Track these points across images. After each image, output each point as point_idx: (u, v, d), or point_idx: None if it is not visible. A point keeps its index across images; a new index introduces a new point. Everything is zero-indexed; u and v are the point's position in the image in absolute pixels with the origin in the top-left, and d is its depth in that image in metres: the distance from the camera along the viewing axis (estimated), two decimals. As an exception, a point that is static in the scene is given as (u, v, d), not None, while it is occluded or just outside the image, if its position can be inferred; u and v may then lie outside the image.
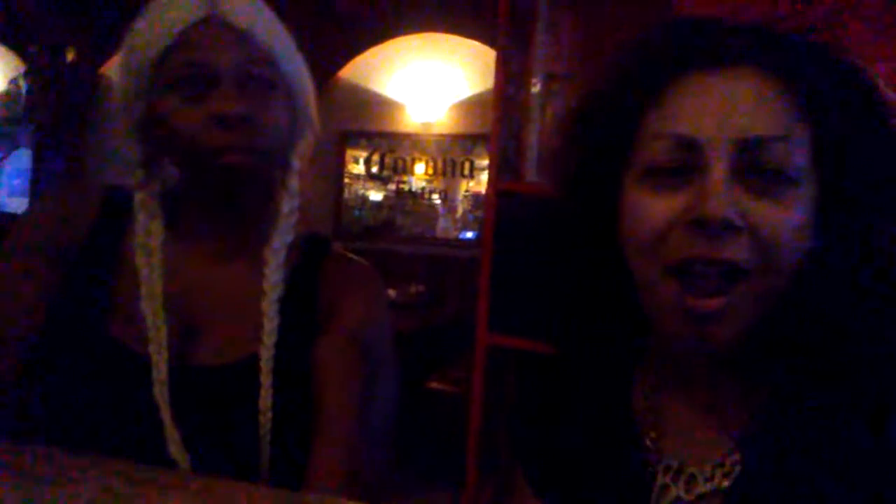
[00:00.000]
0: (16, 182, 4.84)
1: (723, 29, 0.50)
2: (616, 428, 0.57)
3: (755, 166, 0.46)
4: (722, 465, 0.51)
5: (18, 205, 4.62)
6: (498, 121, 2.10)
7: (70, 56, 4.47)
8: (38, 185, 4.46)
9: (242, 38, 0.70)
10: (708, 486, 0.52)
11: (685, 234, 0.47)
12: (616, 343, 0.59)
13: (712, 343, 0.48)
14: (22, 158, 4.76)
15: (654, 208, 0.48)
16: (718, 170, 0.46)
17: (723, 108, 0.47)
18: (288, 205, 0.77)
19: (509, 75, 2.13)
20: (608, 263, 0.54)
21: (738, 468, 0.50)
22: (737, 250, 0.46)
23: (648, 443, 0.56)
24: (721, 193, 0.45)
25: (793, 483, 0.47)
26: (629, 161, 0.51)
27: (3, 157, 4.54)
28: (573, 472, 0.58)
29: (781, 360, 0.51)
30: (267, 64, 0.72)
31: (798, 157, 0.47)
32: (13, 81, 4.75)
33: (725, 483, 0.51)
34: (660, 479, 0.54)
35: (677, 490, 0.53)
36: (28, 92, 4.50)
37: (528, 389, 0.66)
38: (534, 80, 2.12)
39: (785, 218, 0.46)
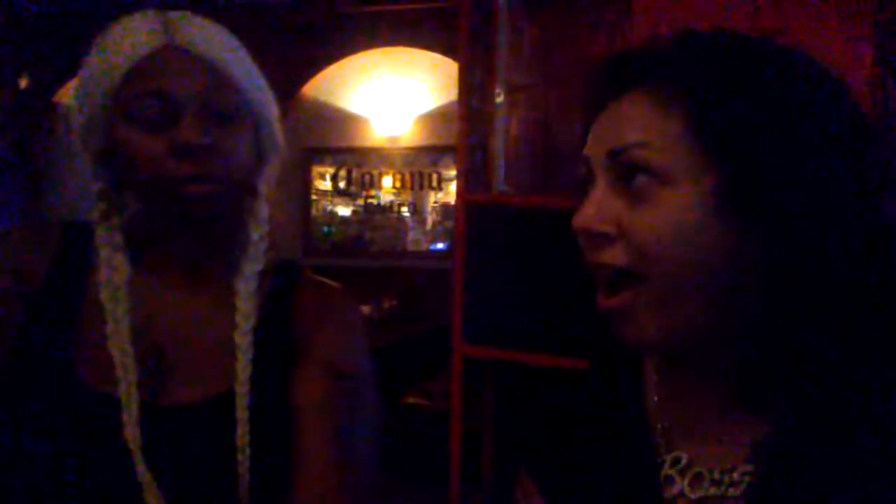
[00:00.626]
0: None
1: (620, 60, 0.55)
2: (626, 416, 0.57)
3: (626, 173, 0.51)
4: (731, 472, 0.51)
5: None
6: (463, 132, 2.11)
7: (23, 83, 4.37)
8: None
9: (203, 65, 0.69)
10: (714, 491, 0.51)
11: (582, 242, 0.53)
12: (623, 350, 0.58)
13: (630, 338, 0.51)
14: None
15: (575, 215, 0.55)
16: (599, 183, 0.52)
17: (602, 128, 0.54)
18: (257, 232, 0.75)
19: (472, 87, 2.14)
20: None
21: (747, 479, 0.50)
22: (613, 256, 0.50)
23: (658, 433, 0.55)
24: (591, 204, 0.51)
25: (806, 496, 0.48)
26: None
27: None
28: (580, 460, 0.58)
29: (785, 370, 0.51)
30: (229, 91, 0.70)
31: (661, 159, 0.50)
32: None
33: (732, 491, 0.50)
34: (666, 469, 0.54)
35: (682, 484, 0.53)
36: None
37: (532, 391, 0.65)
38: (497, 91, 2.14)
39: (655, 219, 0.49)
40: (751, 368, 0.52)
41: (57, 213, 4.03)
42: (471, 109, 2.13)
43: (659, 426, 0.56)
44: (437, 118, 4.19)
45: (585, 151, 0.54)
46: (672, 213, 0.48)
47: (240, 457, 0.68)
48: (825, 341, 0.48)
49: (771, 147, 0.47)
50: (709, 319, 0.49)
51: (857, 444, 0.48)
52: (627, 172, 0.50)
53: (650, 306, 0.49)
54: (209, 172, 0.67)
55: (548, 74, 2.26)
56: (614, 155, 0.51)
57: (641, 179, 0.50)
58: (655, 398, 0.57)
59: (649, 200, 0.49)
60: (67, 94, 4.21)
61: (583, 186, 0.54)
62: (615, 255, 0.50)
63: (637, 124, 0.51)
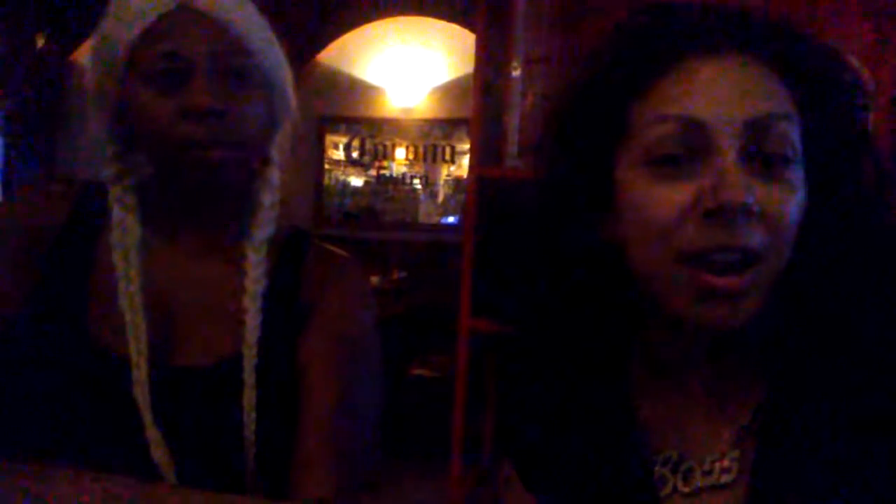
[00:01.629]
0: None
1: (714, 15, 0.50)
2: (612, 417, 0.56)
3: (761, 148, 0.46)
4: (721, 460, 0.51)
5: (-10, 194, 4.53)
6: (478, 105, 2.09)
7: (40, 42, 4.36)
8: (9, 174, 4.36)
9: (217, 27, 0.68)
10: (706, 481, 0.51)
11: (701, 223, 0.46)
12: (610, 335, 0.58)
13: (728, 322, 0.47)
14: None
15: (661, 198, 0.47)
16: (730, 154, 0.45)
17: (730, 91, 0.47)
18: (268, 198, 0.75)
19: (489, 59, 2.11)
20: (598, 254, 0.53)
21: (737, 465, 0.50)
22: (753, 235, 0.45)
23: (646, 433, 0.55)
24: (736, 179, 0.45)
25: (796, 479, 0.48)
26: (623, 149, 0.50)
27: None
28: (567, 463, 0.57)
29: (780, 352, 0.51)
30: (243, 54, 0.69)
31: (797, 137, 0.47)
32: None
33: (724, 479, 0.51)
34: (658, 470, 0.54)
35: (674, 482, 0.53)
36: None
37: (519, 384, 0.64)
38: (514, 64, 2.11)
39: (790, 199, 0.46)
40: (752, 352, 0.52)
41: (72, 172, 4.05)
42: (487, 82, 2.11)
43: (645, 431, 0.55)
44: (452, 90, 4.15)
45: (699, 116, 0.46)
46: (796, 191, 0.47)
47: (246, 419, 0.70)
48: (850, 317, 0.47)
49: (848, 137, 0.49)
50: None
51: (848, 417, 0.47)
52: (760, 144, 0.46)
53: (762, 284, 0.46)
54: (220, 137, 0.67)
55: (566, 48, 2.22)
56: (756, 125, 0.46)
57: (775, 155, 0.46)
58: (641, 385, 0.57)
59: (778, 178, 0.46)
60: (84, 54, 4.20)
61: (670, 160, 0.47)
62: (752, 236, 0.45)
63: (776, 92, 0.47)
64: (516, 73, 2.12)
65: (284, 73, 0.75)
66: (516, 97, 2.14)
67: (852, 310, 0.48)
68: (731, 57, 0.48)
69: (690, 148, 0.46)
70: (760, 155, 0.46)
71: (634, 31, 0.51)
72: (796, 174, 0.47)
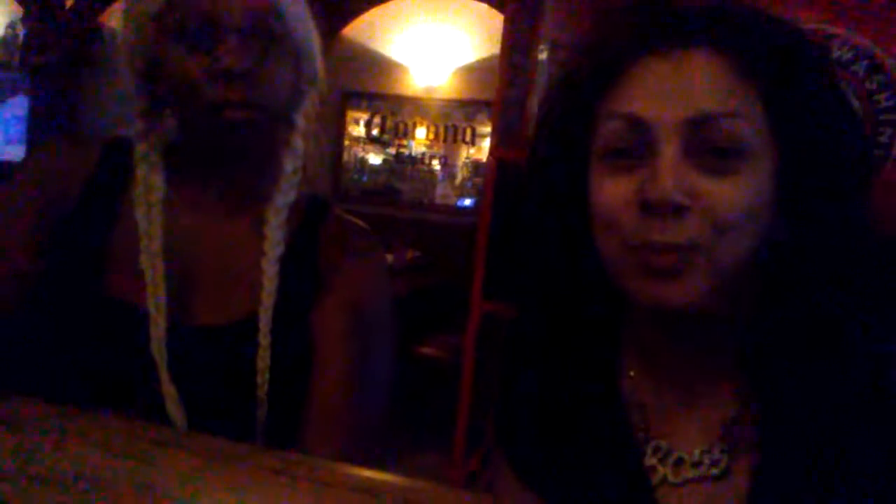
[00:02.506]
0: (13, 129, 4.79)
1: (676, 12, 0.51)
2: (604, 409, 0.57)
3: (706, 144, 0.47)
4: (710, 451, 0.52)
5: (16, 152, 4.58)
6: (502, 87, 2.07)
7: (69, 2, 4.37)
8: (35, 134, 4.41)
9: None
10: (695, 472, 0.52)
11: (638, 215, 0.48)
12: (598, 325, 0.59)
13: (674, 300, 0.48)
14: (19, 105, 4.69)
15: (609, 189, 0.50)
16: (668, 151, 0.47)
17: (672, 89, 0.48)
18: (291, 164, 0.75)
19: (516, 41, 2.09)
20: (582, 241, 0.54)
21: (725, 456, 0.51)
22: (686, 230, 0.47)
23: (637, 423, 0.56)
24: (667, 175, 0.46)
25: (792, 469, 0.48)
26: (592, 144, 0.53)
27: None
28: (559, 453, 0.58)
29: (762, 345, 0.51)
30: (274, 18, 0.69)
31: (749, 132, 0.47)
32: (10, 27, 4.65)
33: (713, 470, 0.51)
34: (647, 460, 0.54)
35: (664, 472, 0.53)
36: (25, 38, 4.41)
37: (512, 371, 0.65)
38: (540, 48, 2.08)
39: (737, 194, 0.47)
40: (735, 343, 0.52)
41: (97, 132, 4.08)
42: (512, 64, 2.08)
43: (636, 421, 0.56)
44: (476, 71, 4.11)
45: (641, 114, 0.48)
46: (751, 186, 0.47)
47: (259, 380, 0.71)
48: (833, 316, 0.48)
49: (826, 136, 0.48)
50: (737, 287, 0.49)
51: (833, 413, 0.48)
52: (706, 140, 0.47)
53: (703, 267, 0.47)
54: (247, 99, 0.67)
55: (607, 11, 2.18)
56: (697, 123, 0.47)
57: (725, 151, 0.46)
58: (632, 373, 0.57)
59: (728, 172, 0.47)
60: (112, 16, 4.21)
61: (619, 153, 0.49)
62: (684, 230, 0.47)
63: (723, 89, 0.47)
64: (543, 56, 2.09)
65: (314, 41, 0.75)
66: (541, 81, 2.11)
67: (832, 299, 0.48)
68: (687, 52, 0.48)
69: (636, 144, 0.49)
70: (706, 150, 0.47)
71: (602, 32, 0.54)
72: (751, 168, 0.47)
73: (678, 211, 0.46)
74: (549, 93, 0.57)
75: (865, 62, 1.49)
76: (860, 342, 0.48)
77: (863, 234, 0.49)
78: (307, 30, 0.74)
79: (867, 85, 1.49)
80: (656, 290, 0.48)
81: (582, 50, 0.55)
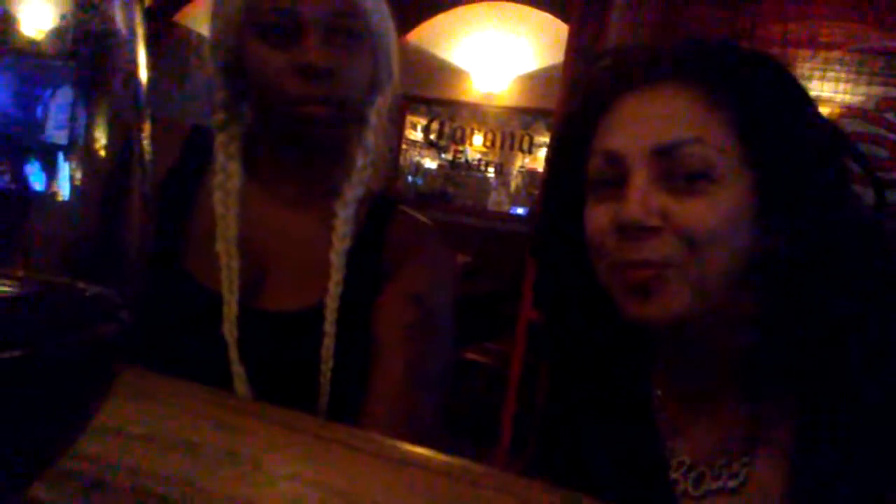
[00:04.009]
0: (62, 115, 5.03)
1: (649, 50, 0.55)
2: (636, 428, 0.59)
3: (675, 169, 0.50)
4: (729, 465, 0.53)
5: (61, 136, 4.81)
6: (564, 96, 2.06)
7: (148, 1, 4.57)
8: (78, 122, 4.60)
9: None
10: (714, 485, 0.54)
11: (615, 238, 0.52)
12: (632, 342, 0.61)
13: (657, 316, 0.51)
14: (64, 94, 4.92)
15: (592, 216, 0.55)
16: (637, 179, 0.51)
17: (641, 121, 0.53)
18: (362, 159, 0.77)
19: (579, 51, 2.07)
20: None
21: (745, 470, 0.53)
22: (658, 249, 0.50)
23: (663, 439, 0.58)
24: (635, 200, 0.50)
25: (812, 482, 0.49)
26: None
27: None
28: (590, 464, 0.60)
29: (771, 358, 0.52)
30: (354, 15, 0.71)
31: (715, 155, 0.50)
32: (63, 17, 4.89)
33: (731, 483, 0.53)
34: (672, 474, 0.56)
35: (685, 485, 0.55)
36: (76, 27, 4.62)
37: (552, 383, 0.67)
38: (606, 59, 2.06)
39: (708, 213, 0.50)
40: (743, 357, 0.54)
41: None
42: (575, 74, 2.07)
43: (661, 421, 0.58)
44: (536, 80, 4.10)
45: (615, 148, 0.53)
46: (722, 205, 0.50)
47: (322, 367, 0.73)
48: (825, 327, 0.50)
49: (800, 155, 0.51)
50: (728, 297, 0.51)
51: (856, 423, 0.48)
52: (675, 167, 0.50)
53: (679, 285, 0.50)
54: (327, 95, 0.69)
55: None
56: (663, 151, 0.51)
57: (693, 175, 0.50)
58: (659, 392, 0.60)
59: (698, 194, 0.50)
60: (187, 15, 4.37)
61: (602, 184, 0.54)
62: (658, 248, 0.50)
63: (686, 118, 0.51)
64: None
65: (392, 39, 0.77)
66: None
67: (836, 299, 0.50)
68: (658, 88, 0.53)
69: (613, 175, 0.53)
70: (675, 175, 0.51)
71: (593, 74, 0.59)
72: (722, 188, 0.50)
73: (650, 231, 0.50)
74: (554, 130, 0.63)
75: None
76: (875, 341, 0.49)
77: (855, 232, 0.51)
78: (387, 28, 0.76)
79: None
80: (638, 308, 0.52)
81: (578, 91, 0.61)
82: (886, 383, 0.48)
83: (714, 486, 0.54)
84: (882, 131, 1.68)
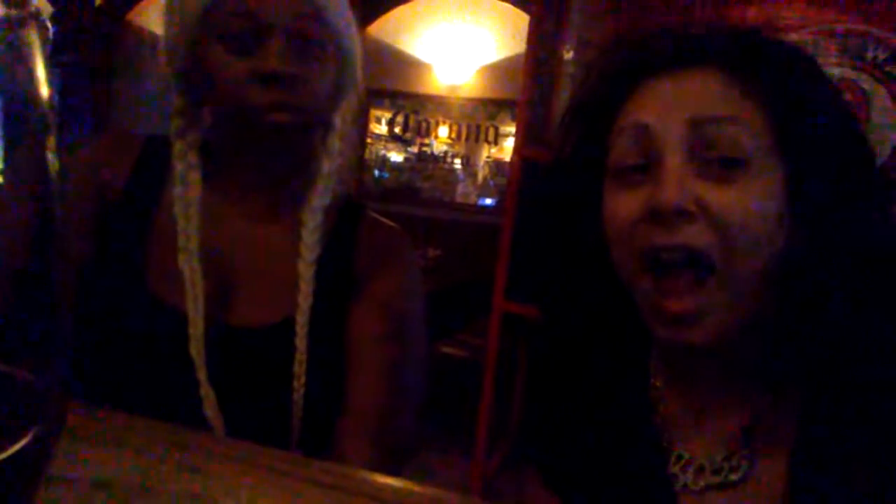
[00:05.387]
0: None
1: (675, 36, 0.53)
2: (632, 418, 0.58)
3: (709, 150, 0.48)
4: (729, 459, 0.52)
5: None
6: (527, 86, 2.06)
7: (98, 1, 4.44)
8: (62, 130, 4.48)
9: None
10: (714, 479, 0.53)
11: (647, 225, 0.49)
12: (628, 333, 0.59)
13: (695, 341, 0.49)
14: None
15: (621, 204, 0.52)
16: (673, 160, 0.48)
17: (673, 99, 0.50)
18: (327, 166, 0.75)
19: (541, 40, 2.07)
20: (601, 256, 0.56)
21: (745, 463, 0.52)
22: (694, 235, 0.47)
23: (662, 433, 0.57)
24: (672, 182, 0.48)
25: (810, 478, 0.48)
26: (606, 162, 0.54)
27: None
28: (587, 460, 0.59)
29: (779, 358, 0.51)
30: (317, 20, 0.69)
31: (749, 139, 0.48)
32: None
33: (732, 477, 0.52)
34: (670, 468, 0.55)
35: (685, 479, 0.54)
36: (55, 35, 4.49)
37: (542, 377, 0.66)
38: (566, 47, 2.07)
39: (740, 201, 0.47)
40: (746, 355, 0.52)
41: (124, 130, 4.14)
42: (537, 63, 2.07)
43: (659, 413, 0.57)
44: (499, 70, 4.10)
45: (648, 121, 0.50)
46: (757, 196, 0.48)
47: (295, 383, 0.70)
48: (850, 329, 0.48)
49: (833, 150, 0.49)
50: (756, 310, 0.49)
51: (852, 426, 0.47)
52: (709, 147, 0.48)
53: (721, 305, 0.48)
54: (289, 102, 0.67)
55: (621, 34, 2.17)
56: (698, 124, 0.48)
57: (726, 158, 0.47)
58: (658, 384, 0.58)
59: (733, 181, 0.48)
60: (139, 14, 4.26)
61: (629, 170, 0.51)
62: (695, 235, 0.47)
63: (721, 98, 0.49)
64: (569, 55, 2.08)
65: (355, 42, 0.75)
66: (566, 80, 2.09)
67: (849, 312, 0.48)
68: (690, 71, 0.50)
69: (645, 156, 0.50)
70: (713, 158, 0.48)
71: (614, 57, 0.56)
72: (753, 177, 0.48)
73: (684, 216, 0.47)
74: (564, 117, 0.59)
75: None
76: (880, 339, 0.48)
77: (883, 240, 0.49)
78: (350, 33, 0.73)
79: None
80: (676, 334, 0.49)
81: (594, 75, 0.58)
82: (890, 379, 0.47)
83: (714, 480, 0.52)
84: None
